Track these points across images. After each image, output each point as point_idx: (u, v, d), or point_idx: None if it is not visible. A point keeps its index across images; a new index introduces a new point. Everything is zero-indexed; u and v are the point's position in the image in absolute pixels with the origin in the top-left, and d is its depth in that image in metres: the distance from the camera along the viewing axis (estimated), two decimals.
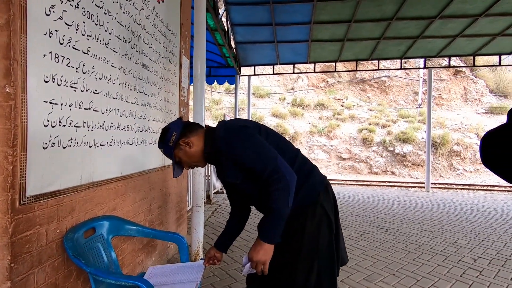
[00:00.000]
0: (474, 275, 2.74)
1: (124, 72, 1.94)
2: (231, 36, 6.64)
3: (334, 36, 6.75)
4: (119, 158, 1.90)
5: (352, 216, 4.98)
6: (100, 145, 1.69)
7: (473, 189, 8.86)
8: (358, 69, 9.14)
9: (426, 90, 9.06)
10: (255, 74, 9.12)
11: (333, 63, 8.60)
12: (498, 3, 5.24)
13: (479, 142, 0.87)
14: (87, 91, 1.55)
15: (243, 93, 15.11)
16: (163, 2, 2.60)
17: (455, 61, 16.96)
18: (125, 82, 1.96)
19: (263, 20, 6.07)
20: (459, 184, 9.92)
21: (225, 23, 6.07)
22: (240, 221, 1.52)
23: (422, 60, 8.76)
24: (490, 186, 9.12)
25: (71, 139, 1.44)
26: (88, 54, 1.55)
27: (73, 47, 1.43)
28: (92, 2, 1.58)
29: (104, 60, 1.70)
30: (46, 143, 1.28)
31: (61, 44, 1.36)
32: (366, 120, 15.33)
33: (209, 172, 5.77)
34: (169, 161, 2.72)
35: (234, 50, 7.43)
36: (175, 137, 1.28)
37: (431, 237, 3.85)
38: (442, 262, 3.04)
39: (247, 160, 1.19)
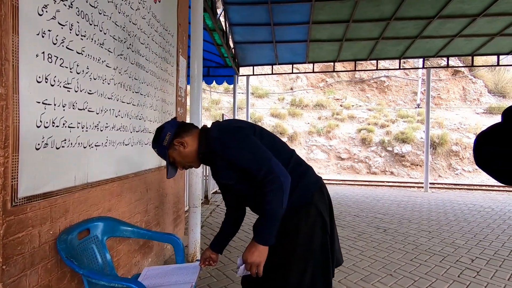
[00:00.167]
0: (472, 276, 2.74)
1: (119, 72, 1.93)
2: (230, 36, 6.63)
3: (333, 36, 6.75)
4: (114, 158, 1.89)
5: (350, 216, 4.97)
6: (95, 145, 1.68)
7: (472, 189, 8.87)
8: (357, 69, 9.14)
9: (425, 90, 9.08)
10: (253, 74, 9.11)
11: (332, 63, 8.59)
12: (496, 3, 5.24)
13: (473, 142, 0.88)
14: (81, 91, 1.54)
15: (242, 93, 15.10)
16: (159, 2, 2.59)
17: (453, 61, 16.99)
18: (120, 82, 1.95)
19: (261, 20, 6.06)
20: (458, 184, 9.93)
21: (223, 23, 6.07)
22: (235, 222, 1.52)
23: (421, 60, 8.76)
24: (488, 186, 9.13)
25: (65, 140, 1.43)
26: (82, 54, 1.54)
27: (66, 47, 1.42)
28: (87, 2, 1.57)
29: (99, 60, 1.69)
30: (38, 144, 1.27)
31: (54, 44, 1.35)
32: (365, 120, 15.34)
33: (207, 173, 5.76)
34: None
35: (233, 50, 7.42)
36: (169, 137, 1.27)
37: (429, 237, 3.85)
38: (440, 262, 3.04)
39: (241, 161, 1.18)
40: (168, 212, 2.95)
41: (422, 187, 8.56)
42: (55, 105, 1.35)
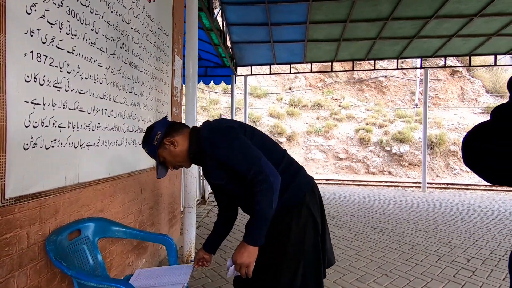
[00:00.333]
0: (467, 275, 2.73)
1: (112, 72, 1.92)
2: (227, 36, 6.62)
3: (330, 36, 6.74)
4: (107, 158, 1.88)
5: (347, 216, 4.97)
6: (86, 145, 1.67)
7: (469, 189, 8.88)
8: (355, 69, 9.16)
9: (423, 90, 9.10)
10: (251, 74, 9.10)
11: (330, 63, 8.59)
12: (493, 3, 5.24)
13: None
14: (72, 91, 1.53)
15: (240, 93, 15.09)
16: (154, 1, 2.58)
17: (451, 61, 17.02)
18: (113, 82, 1.94)
19: (258, 20, 6.05)
20: (456, 184, 9.94)
21: (220, 23, 6.05)
22: (227, 222, 1.51)
23: (418, 60, 8.77)
24: (486, 186, 9.14)
25: (55, 140, 1.41)
26: (73, 54, 1.53)
27: (56, 47, 1.41)
28: (77, 1, 1.56)
29: (90, 59, 1.68)
30: (27, 144, 1.25)
31: (44, 43, 1.33)
32: (363, 120, 15.35)
33: None
34: None
35: (230, 50, 7.41)
36: (160, 136, 1.26)
37: (426, 237, 3.85)
38: (436, 262, 3.03)
39: (231, 161, 1.17)
40: (163, 213, 2.93)
41: (420, 187, 8.57)
42: (44, 104, 1.34)
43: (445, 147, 13.04)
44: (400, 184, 9.85)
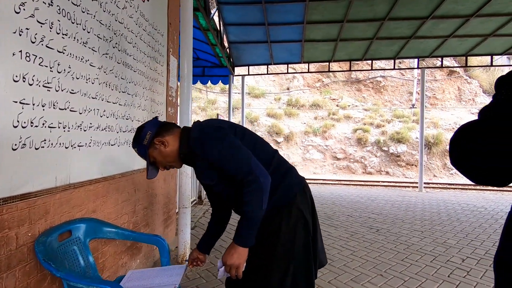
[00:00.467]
0: (462, 275, 2.74)
1: (104, 72, 1.91)
2: (224, 36, 6.61)
3: (327, 36, 6.75)
4: (99, 159, 1.87)
5: (344, 216, 4.97)
6: (78, 146, 1.65)
7: (466, 189, 8.92)
8: (352, 69, 9.16)
9: (420, 90, 9.14)
10: (249, 74, 9.09)
11: (328, 63, 8.60)
12: (489, 3, 5.27)
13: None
14: (62, 90, 1.51)
15: (238, 93, 15.07)
16: (148, 1, 2.56)
17: (449, 61, 17.07)
18: (106, 82, 1.93)
19: (255, 20, 6.04)
20: (452, 184, 9.97)
21: (217, 23, 6.04)
22: (221, 222, 1.51)
23: (416, 60, 8.79)
24: (482, 186, 9.18)
25: (45, 140, 1.40)
26: (63, 53, 1.52)
27: (46, 46, 1.40)
28: (68, 0, 1.55)
29: (82, 59, 1.67)
30: (16, 144, 1.24)
31: (33, 42, 1.32)
32: (361, 120, 15.37)
33: None
34: None
35: (228, 49, 7.40)
36: (150, 136, 1.25)
37: (421, 237, 3.86)
38: (431, 262, 3.04)
39: (221, 161, 1.17)
40: (158, 213, 2.92)
41: (417, 187, 8.59)
42: (34, 104, 1.33)
43: (442, 147, 13.09)
44: (397, 184, 9.88)
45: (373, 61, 8.48)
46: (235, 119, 13.64)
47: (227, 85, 8.74)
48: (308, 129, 14.96)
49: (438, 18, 5.87)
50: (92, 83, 1.78)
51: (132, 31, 2.29)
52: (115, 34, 2.03)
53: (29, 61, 1.30)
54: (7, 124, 1.20)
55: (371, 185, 9.71)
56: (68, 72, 1.56)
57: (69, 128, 1.57)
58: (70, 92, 1.58)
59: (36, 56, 1.34)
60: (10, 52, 1.21)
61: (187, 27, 2.78)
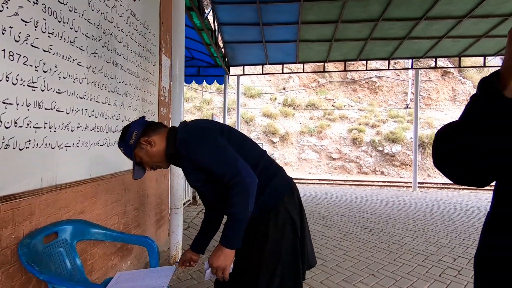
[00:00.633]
0: (453, 275, 2.76)
1: (93, 71, 1.88)
2: (219, 36, 6.59)
3: (322, 36, 6.76)
4: (87, 159, 1.85)
5: (338, 216, 4.98)
6: (65, 146, 1.63)
7: (459, 188, 8.99)
8: (347, 69, 9.21)
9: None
10: (244, 74, 9.08)
11: (323, 63, 8.62)
12: (481, 5, 5.31)
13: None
14: (48, 90, 1.49)
15: (233, 93, 15.04)
16: (139, 0, 2.54)
17: (443, 62, 17.20)
18: (94, 82, 1.90)
19: (250, 19, 6.03)
20: (446, 184, 10.05)
21: (212, 23, 6.02)
22: (214, 222, 1.49)
23: (410, 60, 8.85)
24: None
25: (30, 141, 1.38)
26: (49, 52, 1.49)
27: (31, 45, 1.38)
28: None
29: (69, 58, 1.65)
30: None
31: (17, 41, 1.30)
32: (356, 120, 15.44)
33: None
34: None
35: (223, 49, 7.38)
36: (136, 135, 1.24)
37: (414, 237, 3.88)
38: (422, 262, 3.06)
39: (207, 163, 1.15)
40: (149, 214, 2.90)
41: (411, 186, 8.65)
42: (17, 104, 1.31)
43: None
44: (392, 184, 9.93)
45: (368, 62, 8.51)
46: (231, 119, 13.62)
47: (223, 85, 8.73)
48: (303, 129, 14.98)
49: (431, 19, 5.91)
50: (80, 83, 1.76)
51: (122, 30, 2.27)
52: (104, 33, 2.01)
53: (12, 60, 1.28)
54: None
55: (366, 185, 9.76)
56: (55, 71, 1.53)
57: (55, 128, 1.55)
58: (57, 92, 1.56)
59: (20, 55, 1.32)
60: None
61: (179, 26, 2.76)
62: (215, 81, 8.34)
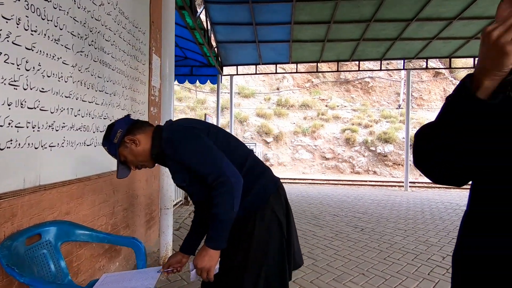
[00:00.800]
0: (441, 273, 2.79)
1: (79, 70, 1.85)
2: (212, 35, 6.56)
3: (315, 36, 6.78)
4: (73, 159, 1.82)
5: (330, 216, 5.00)
6: (49, 146, 1.60)
7: (450, 188, 9.10)
8: (341, 69, 9.27)
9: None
10: (237, 74, 9.07)
11: (316, 64, 8.65)
12: (470, 7, 5.39)
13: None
14: (31, 89, 1.46)
15: (227, 92, 15.01)
16: None
17: (434, 63, 17.40)
18: (81, 80, 1.87)
19: (243, 19, 6.02)
20: None
21: (205, 22, 5.99)
22: (205, 221, 1.46)
23: (402, 61, 8.93)
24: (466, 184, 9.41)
25: (11, 140, 1.35)
26: (32, 50, 1.46)
27: (12, 42, 1.35)
28: None
29: (53, 57, 1.62)
30: None
31: None
32: (349, 120, 15.54)
33: None
34: None
35: (216, 49, 7.35)
36: (121, 134, 1.22)
37: (404, 236, 3.91)
38: (412, 260, 3.08)
39: (192, 162, 1.14)
40: (139, 214, 2.87)
41: (403, 186, 8.73)
42: None
43: None
44: (384, 184, 10.02)
45: (361, 62, 8.57)
46: (224, 119, 13.59)
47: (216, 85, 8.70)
48: (297, 129, 15.03)
49: (422, 20, 5.98)
50: (66, 82, 1.73)
51: (110, 29, 2.24)
52: (91, 31, 1.98)
53: None
54: None
55: (358, 184, 9.83)
56: (38, 70, 1.50)
57: (39, 127, 1.52)
58: (40, 91, 1.53)
59: (1, 53, 1.29)
60: None
61: (169, 25, 2.74)
62: (209, 80, 8.31)
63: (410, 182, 8.69)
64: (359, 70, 9.35)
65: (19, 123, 1.39)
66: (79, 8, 1.84)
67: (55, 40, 1.63)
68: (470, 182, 0.68)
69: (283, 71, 15.61)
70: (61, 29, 1.67)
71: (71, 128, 1.78)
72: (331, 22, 6.01)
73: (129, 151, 1.23)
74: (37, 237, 1.48)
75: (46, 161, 1.58)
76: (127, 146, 1.22)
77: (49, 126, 1.60)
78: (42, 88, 1.53)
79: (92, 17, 1.98)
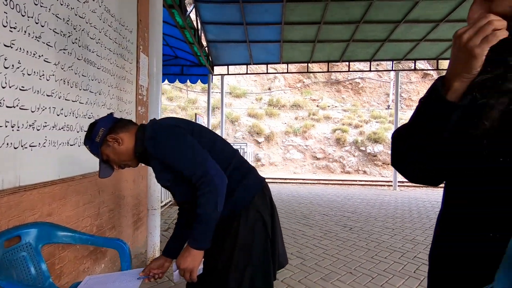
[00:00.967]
0: (427, 271, 2.83)
1: (62, 68, 1.82)
2: (202, 35, 6.52)
3: (305, 37, 6.81)
4: (55, 159, 1.78)
5: (320, 215, 5.04)
6: (30, 146, 1.56)
7: (438, 187, 9.28)
8: (331, 70, 9.35)
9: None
10: (228, 74, 9.04)
11: (307, 64, 8.69)
12: (456, 9, 5.51)
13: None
14: (10, 87, 1.42)
15: (218, 92, 14.96)
16: None
17: (422, 64, 17.73)
18: (64, 79, 1.83)
19: (234, 19, 6.00)
20: None
21: (195, 21, 5.95)
22: (188, 223, 1.45)
23: (391, 62, 9.06)
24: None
25: None
26: (11, 48, 1.42)
27: None
28: None
29: (34, 54, 1.58)
30: None
31: None
32: (340, 120, 15.69)
33: None
34: None
35: (206, 48, 7.31)
36: (103, 132, 1.20)
37: (392, 235, 3.97)
38: (399, 259, 3.13)
39: (175, 162, 1.13)
40: (126, 215, 2.83)
41: (392, 185, 8.86)
42: None
43: None
44: (374, 183, 10.14)
45: (351, 63, 8.65)
46: (216, 118, 13.54)
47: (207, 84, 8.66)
48: (288, 129, 15.08)
49: (410, 22, 6.07)
50: (47, 80, 1.69)
51: (95, 27, 2.20)
52: (74, 29, 1.94)
53: None
54: None
55: (348, 184, 9.93)
56: (18, 67, 1.47)
57: (18, 127, 1.48)
58: (20, 89, 1.49)
59: None
60: None
61: (156, 23, 2.71)
62: (199, 80, 8.26)
63: (398, 182, 8.82)
64: (349, 71, 9.44)
65: None
66: (61, 5, 1.80)
67: (36, 37, 1.59)
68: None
69: (275, 71, 15.65)
70: (42, 26, 1.64)
71: (53, 127, 1.75)
72: (321, 23, 6.05)
73: (112, 150, 1.21)
74: (17, 239, 1.44)
75: (26, 161, 1.54)
76: (109, 145, 1.20)
77: (30, 126, 1.56)
78: (22, 87, 1.50)
79: (76, 15, 1.94)
